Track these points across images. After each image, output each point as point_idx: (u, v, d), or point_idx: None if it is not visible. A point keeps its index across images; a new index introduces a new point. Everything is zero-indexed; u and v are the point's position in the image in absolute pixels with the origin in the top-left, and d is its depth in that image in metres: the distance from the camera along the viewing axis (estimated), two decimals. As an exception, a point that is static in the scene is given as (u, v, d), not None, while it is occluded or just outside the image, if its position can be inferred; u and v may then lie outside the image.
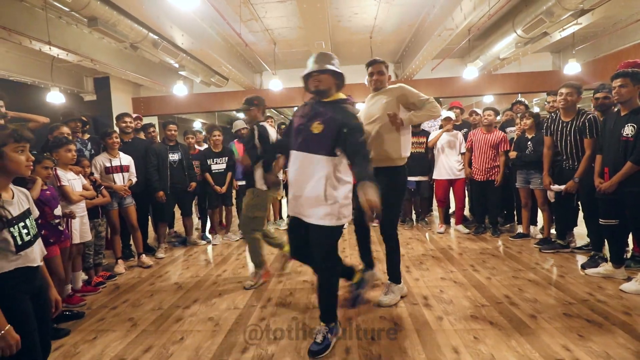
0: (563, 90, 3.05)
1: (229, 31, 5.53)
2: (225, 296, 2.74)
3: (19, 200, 1.38)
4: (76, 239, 2.66)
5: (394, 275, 2.50)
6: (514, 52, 6.13)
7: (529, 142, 3.68)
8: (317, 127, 1.78)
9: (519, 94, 8.80)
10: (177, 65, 6.04)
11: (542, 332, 2.02)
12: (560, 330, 2.04)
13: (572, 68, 6.14)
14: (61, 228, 2.44)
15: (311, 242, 1.89)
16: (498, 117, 5.32)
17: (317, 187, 1.80)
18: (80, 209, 2.74)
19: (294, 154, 1.89)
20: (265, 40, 6.39)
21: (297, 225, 1.95)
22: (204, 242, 4.43)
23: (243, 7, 5.02)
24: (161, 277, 3.26)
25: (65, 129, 3.11)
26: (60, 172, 2.61)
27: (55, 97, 5.37)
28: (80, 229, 2.73)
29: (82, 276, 3.02)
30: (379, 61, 2.41)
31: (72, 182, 2.70)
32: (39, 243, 1.42)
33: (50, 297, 1.49)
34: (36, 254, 1.38)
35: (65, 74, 6.68)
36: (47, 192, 2.33)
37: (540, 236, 3.85)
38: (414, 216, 5.08)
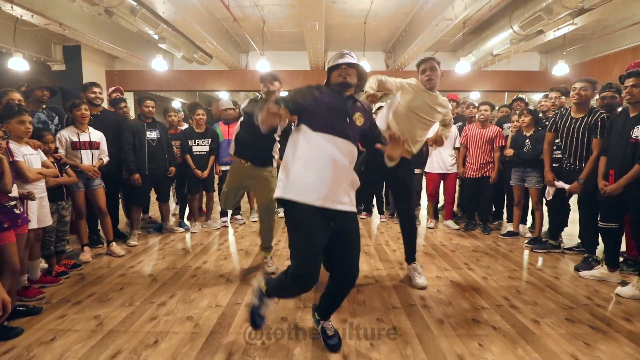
0: (577, 85, 2.90)
1: (216, 3, 5.11)
2: (205, 291, 2.49)
3: None
4: (33, 224, 2.32)
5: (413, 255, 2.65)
6: (507, 48, 6.05)
7: (527, 140, 3.58)
8: (359, 120, 1.79)
9: (506, 92, 8.87)
10: (156, 37, 5.54)
11: (548, 339, 1.92)
12: (565, 337, 1.95)
13: (561, 69, 6.12)
14: (17, 211, 2.10)
15: (351, 240, 1.70)
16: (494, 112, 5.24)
17: (351, 173, 1.76)
18: (39, 189, 2.39)
19: (337, 140, 1.68)
20: (254, 17, 5.99)
21: (323, 222, 1.63)
22: (181, 229, 4.12)
23: (232, -22, 4.63)
24: (133, 268, 2.96)
25: (17, 95, 2.70)
26: (13, 145, 2.24)
27: (18, 64, 4.84)
28: (39, 212, 2.38)
29: (42, 264, 2.69)
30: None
31: (28, 157, 2.34)
32: None
33: None
34: None
35: (30, 39, 6.00)
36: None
37: (529, 235, 3.82)
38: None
